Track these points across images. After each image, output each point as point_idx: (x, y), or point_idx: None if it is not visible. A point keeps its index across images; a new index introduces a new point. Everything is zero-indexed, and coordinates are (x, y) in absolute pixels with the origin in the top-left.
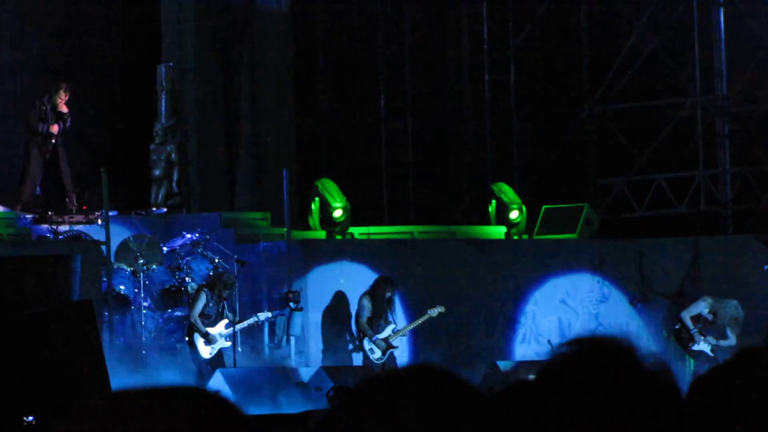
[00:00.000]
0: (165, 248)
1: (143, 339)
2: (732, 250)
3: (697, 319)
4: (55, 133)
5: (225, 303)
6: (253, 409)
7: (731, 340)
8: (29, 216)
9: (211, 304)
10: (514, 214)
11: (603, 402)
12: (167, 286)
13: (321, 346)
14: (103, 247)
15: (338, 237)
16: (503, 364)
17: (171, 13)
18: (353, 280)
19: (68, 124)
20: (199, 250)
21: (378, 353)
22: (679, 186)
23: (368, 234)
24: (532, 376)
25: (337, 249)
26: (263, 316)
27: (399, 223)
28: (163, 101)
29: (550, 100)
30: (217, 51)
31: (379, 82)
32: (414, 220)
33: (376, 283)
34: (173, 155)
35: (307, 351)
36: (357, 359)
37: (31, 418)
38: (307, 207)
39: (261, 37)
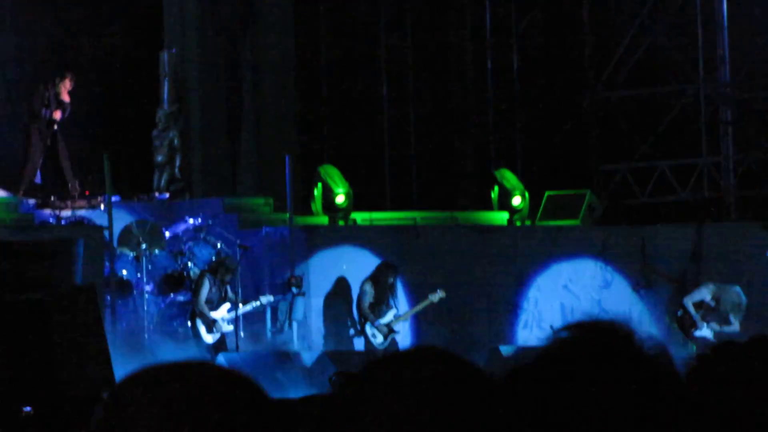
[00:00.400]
0: (167, 233)
1: (145, 323)
2: (735, 237)
3: (700, 305)
4: (57, 119)
5: (227, 287)
6: None
7: (735, 326)
8: (32, 201)
9: (213, 290)
10: (516, 200)
11: (602, 385)
12: (170, 271)
13: (323, 331)
14: (106, 233)
15: (341, 222)
16: (505, 350)
17: None
18: (355, 265)
19: (68, 113)
20: (201, 236)
21: (380, 338)
22: (682, 172)
23: (371, 220)
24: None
25: (340, 234)
26: (265, 300)
27: (401, 209)
28: (165, 87)
29: (552, 87)
30: (220, 37)
31: (382, 68)
32: (416, 205)
33: (379, 268)
34: (176, 141)
35: (309, 336)
36: (359, 344)
37: (28, 408)
38: (310, 192)
39: (263, 23)
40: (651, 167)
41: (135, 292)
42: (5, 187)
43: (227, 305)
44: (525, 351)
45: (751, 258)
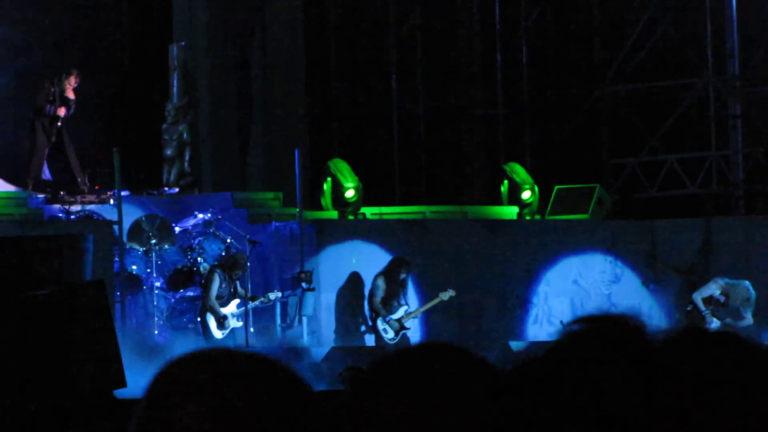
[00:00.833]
0: (177, 228)
1: (155, 319)
2: (744, 231)
3: (709, 300)
4: (62, 116)
5: (237, 283)
6: None
7: (748, 319)
8: (41, 196)
9: (224, 285)
10: (526, 195)
11: (613, 379)
12: (179, 266)
13: (333, 327)
14: (116, 227)
15: (350, 217)
16: (516, 345)
17: None
18: (365, 260)
19: (73, 110)
20: (211, 230)
21: (391, 333)
22: (691, 166)
23: (380, 214)
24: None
25: (349, 229)
26: (273, 296)
27: (411, 203)
28: (174, 81)
29: (561, 81)
30: (230, 30)
31: (391, 62)
32: (426, 200)
33: (392, 263)
34: (185, 135)
35: (319, 331)
36: (369, 340)
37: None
38: (320, 187)
39: (273, 16)
40: (660, 161)
41: (145, 287)
42: (14, 182)
43: (237, 301)
44: (535, 346)
45: (759, 252)
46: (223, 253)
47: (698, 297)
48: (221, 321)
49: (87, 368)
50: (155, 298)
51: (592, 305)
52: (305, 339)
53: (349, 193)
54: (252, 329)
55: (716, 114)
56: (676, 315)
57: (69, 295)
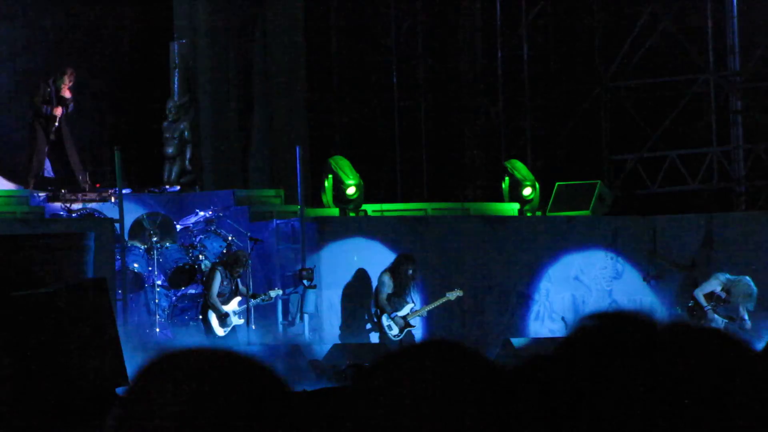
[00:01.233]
0: (178, 226)
1: (157, 317)
2: (745, 227)
3: (710, 296)
4: (58, 116)
5: (238, 280)
6: None
7: (747, 323)
8: (42, 194)
9: (225, 282)
10: (527, 191)
11: (624, 375)
12: (181, 264)
13: (336, 324)
14: (117, 225)
15: (351, 214)
16: (517, 341)
17: None
18: (367, 257)
19: (71, 108)
20: (212, 228)
21: (396, 330)
22: (692, 162)
23: (381, 211)
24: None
25: (351, 226)
26: (274, 293)
27: (412, 200)
28: (175, 79)
29: (562, 77)
30: (230, 28)
31: (392, 59)
32: (427, 197)
33: (397, 260)
34: (186, 133)
35: (320, 328)
36: (373, 338)
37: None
38: (321, 184)
39: (273, 14)
40: (661, 157)
41: (146, 285)
42: (15, 181)
43: (238, 298)
44: (537, 342)
45: (761, 247)
46: (225, 251)
47: (699, 293)
48: (223, 318)
49: (89, 366)
50: (157, 296)
51: (593, 301)
52: (307, 336)
53: (351, 190)
54: (253, 326)
55: (717, 110)
56: (678, 310)
57: (70, 293)
